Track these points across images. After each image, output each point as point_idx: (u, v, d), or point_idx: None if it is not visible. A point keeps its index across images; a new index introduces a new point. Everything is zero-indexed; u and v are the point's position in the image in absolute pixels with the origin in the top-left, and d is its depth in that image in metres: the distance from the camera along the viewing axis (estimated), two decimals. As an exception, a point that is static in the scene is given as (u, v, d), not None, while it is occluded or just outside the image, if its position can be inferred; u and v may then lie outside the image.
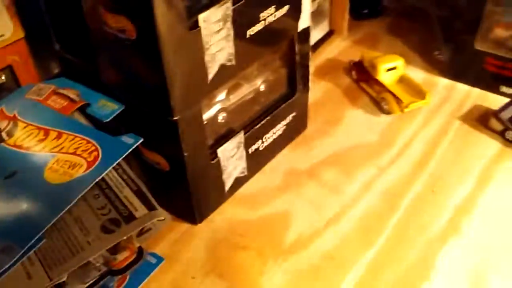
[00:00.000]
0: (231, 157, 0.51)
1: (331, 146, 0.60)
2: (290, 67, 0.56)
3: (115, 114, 0.44)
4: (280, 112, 0.56)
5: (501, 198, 0.53)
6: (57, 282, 0.33)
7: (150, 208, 0.39)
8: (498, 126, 0.59)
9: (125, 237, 0.36)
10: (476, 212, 0.51)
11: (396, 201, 0.53)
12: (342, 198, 0.54)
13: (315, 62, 0.73)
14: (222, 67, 0.44)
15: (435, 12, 0.79)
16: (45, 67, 0.56)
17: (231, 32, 0.43)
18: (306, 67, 0.56)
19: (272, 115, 0.55)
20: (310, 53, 0.56)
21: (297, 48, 0.53)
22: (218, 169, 0.50)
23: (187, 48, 0.40)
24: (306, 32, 0.53)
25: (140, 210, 0.38)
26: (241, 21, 0.43)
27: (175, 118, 0.42)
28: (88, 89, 0.48)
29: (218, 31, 0.41)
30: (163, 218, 0.39)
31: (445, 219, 0.51)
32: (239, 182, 0.54)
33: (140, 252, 0.41)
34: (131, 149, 0.39)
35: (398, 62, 0.65)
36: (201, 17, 0.39)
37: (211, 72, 0.43)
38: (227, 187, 0.53)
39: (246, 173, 0.54)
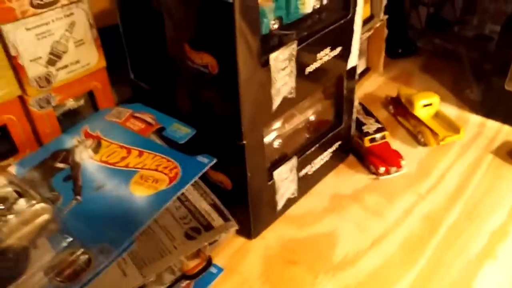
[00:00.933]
0: (285, 179, 0.56)
1: (372, 174, 0.65)
2: (338, 100, 0.62)
3: (189, 137, 0.50)
4: (328, 140, 0.61)
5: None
6: (147, 281, 0.39)
7: (225, 219, 0.44)
8: (528, 160, 0.64)
9: (206, 243, 0.41)
10: (510, 239, 0.55)
11: (435, 226, 0.57)
12: (384, 221, 0.58)
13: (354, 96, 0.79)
14: (284, 99, 0.50)
15: (466, 54, 0.85)
16: (120, 93, 0.62)
17: (294, 69, 0.49)
18: (351, 101, 0.62)
19: (320, 143, 0.60)
20: (356, 88, 0.62)
21: (345, 83, 0.59)
22: (273, 190, 0.56)
23: (259, 82, 0.46)
24: (353, 70, 0.59)
25: (217, 220, 0.43)
26: (302, 60, 0.49)
27: (243, 142, 0.48)
28: (161, 114, 0.54)
29: (284, 68, 0.48)
30: (236, 228, 0.44)
31: (481, 244, 0.55)
32: (289, 203, 0.59)
33: (209, 260, 0.46)
34: (207, 167, 0.45)
35: (434, 98, 0.71)
36: (272, 56, 0.46)
37: (275, 103, 0.49)
38: (279, 206, 0.58)
39: (296, 195, 0.60)
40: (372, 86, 0.83)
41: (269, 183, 0.54)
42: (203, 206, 0.44)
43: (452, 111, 0.75)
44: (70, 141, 0.53)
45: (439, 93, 0.74)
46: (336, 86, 0.61)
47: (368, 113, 0.70)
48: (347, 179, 0.65)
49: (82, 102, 0.60)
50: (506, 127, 0.72)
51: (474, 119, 0.74)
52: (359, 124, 0.67)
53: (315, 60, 0.52)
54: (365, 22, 0.75)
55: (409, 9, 0.90)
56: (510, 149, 0.68)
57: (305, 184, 0.61)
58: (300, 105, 0.58)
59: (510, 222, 0.57)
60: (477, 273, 0.52)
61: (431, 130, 0.68)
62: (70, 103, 0.59)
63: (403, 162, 0.64)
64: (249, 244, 0.56)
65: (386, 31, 0.81)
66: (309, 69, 0.51)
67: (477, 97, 0.77)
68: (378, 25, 0.79)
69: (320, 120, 0.62)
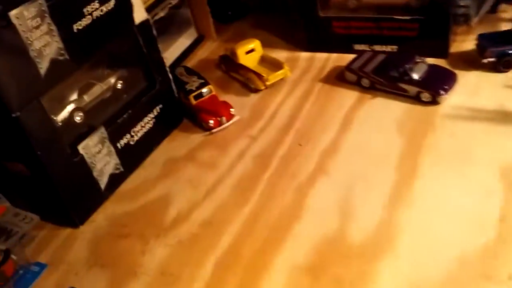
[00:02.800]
0: (98, 153, 0.52)
1: (205, 130, 0.62)
2: (142, 61, 0.58)
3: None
4: (143, 106, 0.58)
5: (360, 137, 0.56)
6: None
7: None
8: (352, 78, 0.64)
9: None
10: (339, 154, 0.55)
11: (267, 161, 0.55)
12: (218, 171, 0.56)
13: (188, 64, 0.76)
14: (55, 62, 0.46)
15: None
16: None
17: (54, 27, 0.45)
18: (159, 59, 0.59)
19: (134, 109, 0.56)
20: (159, 45, 0.59)
21: (141, 41, 0.56)
22: (85, 167, 0.51)
23: (8, 46, 0.42)
24: (146, 24, 0.56)
25: None
26: (62, 16, 0.46)
27: (16, 114, 0.43)
28: None
29: (37, 26, 0.43)
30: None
31: (313, 165, 0.54)
32: (117, 179, 0.55)
33: (7, 252, 0.41)
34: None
35: (255, 44, 0.70)
36: (12, 14, 0.41)
37: (42, 67, 0.44)
38: (103, 184, 0.53)
39: (122, 169, 0.55)
40: (207, 52, 0.81)
41: (76, 159, 0.50)
42: None
43: (283, 54, 0.75)
44: None
45: (270, 43, 0.74)
46: (134, 46, 0.57)
47: (190, 72, 0.67)
48: (181, 142, 0.62)
49: None
50: (333, 55, 0.72)
51: (304, 56, 0.74)
52: (181, 84, 0.64)
53: (82, 16, 0.48)
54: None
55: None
56: (338, 72, 0.68)
57: (132, 156, 0.57)
58: (97, 74, 0.54)
59: (339, 138, 0.57)
60: (308, 192, 0.50)
61: (256, 74, 0.66)
62: None
63: (232, 110, 0.62)
64: (75, 232, 0.51)
65: (205, -5, 0.80)
66: (77, 26, 0.47)
67: (303, 36, 0.76)
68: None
69: (131, 86, 0.58)
